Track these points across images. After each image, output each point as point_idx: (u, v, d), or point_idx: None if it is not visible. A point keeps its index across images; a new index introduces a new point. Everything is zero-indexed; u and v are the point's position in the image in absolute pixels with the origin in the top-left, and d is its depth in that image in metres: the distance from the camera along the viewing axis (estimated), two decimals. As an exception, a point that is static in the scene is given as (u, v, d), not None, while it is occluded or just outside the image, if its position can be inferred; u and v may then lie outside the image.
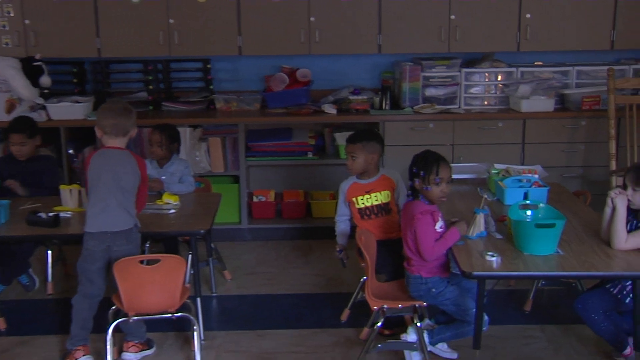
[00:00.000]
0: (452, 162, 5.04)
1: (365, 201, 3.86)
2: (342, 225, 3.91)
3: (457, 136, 5.17)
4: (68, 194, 3.89)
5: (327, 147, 5.50)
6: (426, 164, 3.27)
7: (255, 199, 5.47)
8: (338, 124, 5.44)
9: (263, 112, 5.39)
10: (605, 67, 4.99)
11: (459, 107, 5.35)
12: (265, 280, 4.63)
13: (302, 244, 5.24)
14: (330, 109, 5.29)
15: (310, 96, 5.51)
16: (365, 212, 3.87)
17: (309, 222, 5.38)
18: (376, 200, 3.86)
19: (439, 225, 3.28)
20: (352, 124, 5.34)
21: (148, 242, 4.35)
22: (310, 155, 5.31)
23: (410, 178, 3.34)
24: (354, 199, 3.88)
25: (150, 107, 5.50)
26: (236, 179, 5.34)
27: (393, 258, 3.65)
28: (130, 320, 3.39)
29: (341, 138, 5.27)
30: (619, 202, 3.18)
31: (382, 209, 3.87)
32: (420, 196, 3.33)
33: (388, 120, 5.18)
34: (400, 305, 3.42)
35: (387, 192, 3.88)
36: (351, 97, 5.39)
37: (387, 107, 5.37)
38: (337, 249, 3.88)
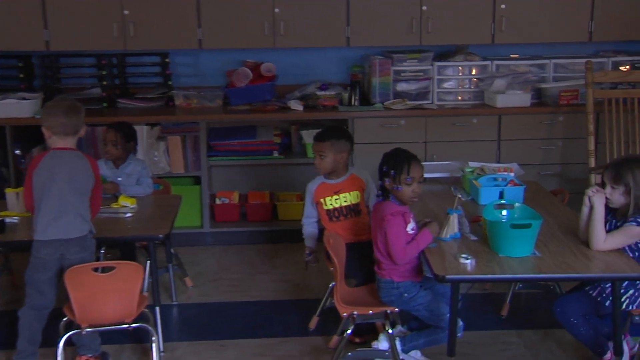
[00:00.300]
0: (425, 161, 5.02)
1: (333, 202, 3.87)
2: (309, 227, 3.92)
3: (430, 133, 5.21)
4: (15, 197, 3.84)
5: (293, 146, 5.50)
6: (397, 162, 3.29)
7: (217, 201, 5.46)
8: (305, 121, 5.44)
9: (225, 109, 5.38)
10: (584, 60, 5.05)
11: (432, 103, 5.39)
12: (229, 287, 4.62)
13: (267, 248, 5.24)
14: (297, 106, 5.30)
15: (275, 92, 5.51)
16: (333, 214, 3.88)
17: (275, 225, 5.38)
18: (345, 201, 3.87)
19: (410, 227, 3.30)
20: (319, 121, 5.35)
21: (103, 249, 4.32)
22: (275, 154, 5.31)
23: (380, 178, 3.36)
24: (322, 200, 3.89)
25: (105, 104, 5.44)
26: (197, 180, 5.32)
27: (363, 262, 3.65)
28: (83, 333, 3.36)
29: (308, 136, 5.28)
30: (597, 200, 3.23)
31: (352, 210, 3.88)
32: (390, 196, 3.34)
33: (357, 116, 5.20)
34: (371, 312, 3.42)
35: (356, 192, 3.89)
36: (318, 93, 5.40)
37: (356, 103, 5.39)
38: (307, 252, 3.89)
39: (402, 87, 5.40)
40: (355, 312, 3.41)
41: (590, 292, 3.42)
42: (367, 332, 3.75)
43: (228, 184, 5.62)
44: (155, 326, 3.64)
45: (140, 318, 3.41)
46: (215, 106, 5.45)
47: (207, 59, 5.64)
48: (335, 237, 3.53)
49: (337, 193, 3.88)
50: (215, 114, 5.26)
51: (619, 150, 4.83)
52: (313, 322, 4.00)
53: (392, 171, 3.29)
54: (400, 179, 3.27)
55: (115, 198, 3.98)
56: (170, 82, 5.57)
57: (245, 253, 5.18)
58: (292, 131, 5.51)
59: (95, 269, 3.29)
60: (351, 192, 3.89)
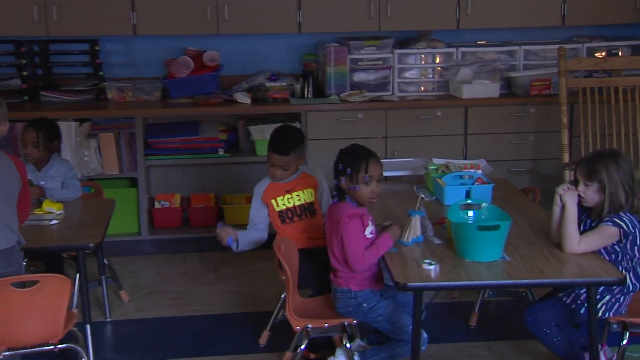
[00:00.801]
0: (385, 157, 5.14)
1: (286, 202, 3.88)
2: (250, 233, 3.88)
3: (390, 127, 5.24)
4: None
5: (240, 143, 5.49)
6: (353, 159, 3.31)
7: (157, 205, 5.43)
8: (253, 115, 5.43)
9: (164, 102, 5.34)
10: (556, 46, 5.10)
11: (392, 94, 5.42)
12: (171, 300, 4.60)
13: (213, 257, 5.22)
14: (244, 98, 5.29)
15: (220, 83, 5.50)
16: (286, 215, 3.88)
17: (221, 231, 5.40)
18: (299, 200, 3.89)
19: (369, 231, 3.32)
20: (269, 116, 5.35)
21: (25, 260, 4.23)
22: (221, 152, 5.31)
23: (335, 177, 3.37)
24: (272, 201, 3.89)
25: (26, 98, 5.37)
26: (134, 182, 5.29)
27: (318, 269, 3.66)
28: (1, 357, 3.29)
29: (257, 132, 5.28)
30: (569, 199, 3.27)
31: (306, 210, 3.90)
32: (347, 197, 3.36)
33: (311, 110, 5.21)
34: (326, 324, 3.43)
35: (310, 190, 3.91)
36: (268, 84, 5.40)
37: (309, 96, 5.41)
38: (217, 224, 3.88)
39: (359, 77, 5.42)
40: (309, 325, 3.41)
41: (564, 299, 3.46)
42: (323, 347, 3.75)
43: (168, 186, 5.59)
44: (85, 347, 3.61)
45: (67, 338, 3.36)
46: (152, 99, 5.40)
47: (143, 46, 5.60)
48: (286, 242, 3.53)
49: (289, 192, 3.89)
50: (153, 108, 5.22)
51: (594, 144, 4.90)
52: (264, 338, 4.00)
53: (349, 169, 3.30)
54: (357, 177, 3.29)
55: (39, 203, 3.92)
56: (101, 73, 5.50)
57: (189, 262, 5.17)
58: (239, 127, 5.49)
59: (16, 284, 3.22)
60: (305, 190, 3.90)
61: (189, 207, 5.47)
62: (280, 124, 4.28)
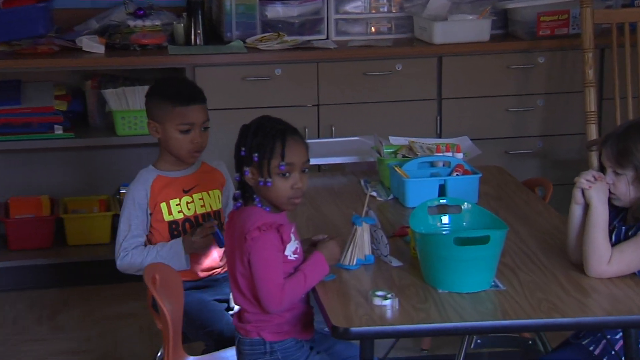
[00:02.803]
0: (315, 136, 5.20)
1: (183, 208, 3.89)
2: (136, 258, 3.85)
3: (324, 90, 5.33)
4: None
5: (90, 116, 5.50)
6: (263, 140, 3.29)
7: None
8: (109, 72, 5.45)
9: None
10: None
11: (327, 39, 5.47)
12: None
13: (48, 296, 5.22)
14: (94, 46, 5.27)
15: (54, 22, 5.46)
16: (182, 229, 3.91)
17: (62, 256, 5.38)
18: (202, 206, 3.92)
19: (291, 249, 3.31)
20: (134, 73, 5.34)
21: None
22: (59, 130, 5.31)
23: (237, 168, 3.36)
24: (163, 205, 3.90)
25: None
26: None
27: (216, 311, 3.71)
28: None
29: (116, 99, 5.28)
30: (595, 195, 3.27)
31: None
32: (255, 198, 3.35)
33: (201, 64, 5.24)
34: (226, 396, 3.45)
35: (216, 192, 3.96)
36: (132, 24, 5.40)
37: (199, 42, 5.44)
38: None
39: (275, 12, 5.46)
40: (200, 399, 3.42)
41: (590, 347, 3.47)
42: None
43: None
44: None
45: None
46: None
47: None
48: (165, 270, 3.50)
49: (188, 193, 3.90)
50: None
51: (636, 111, 4.99)
52: None
53: (255, 155, 3.30)
54: (269, 167, 3.30)
55: None
56: None
57: (10, 305, 5.15)
58: (87, 91, 5.48)
59: None
60: (210, 192, 3.94)
61: (6, 219, 5.43)
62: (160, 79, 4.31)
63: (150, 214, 3.90)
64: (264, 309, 3.31)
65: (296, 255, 3.34)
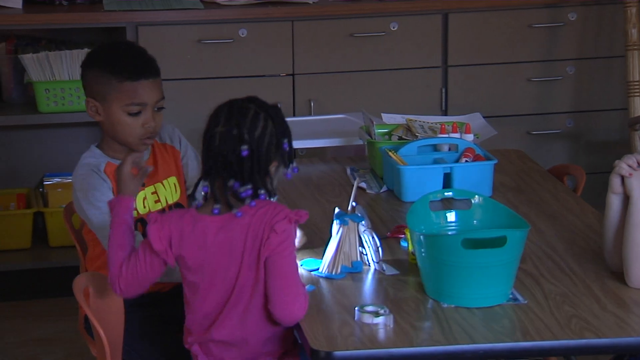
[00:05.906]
0: (292, 114, 5.20)
1: (139, 206, 3.68)
2: None
3: (301, 56, 5.24)
4: None
5: (4, 88, 5.41)
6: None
7: None
8: (28, 33, 5.40)
9: None
10: None
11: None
12: None
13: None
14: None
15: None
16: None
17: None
18: (156, 201, 3.75)
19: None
20: (59, 34, 5.31)
21: None
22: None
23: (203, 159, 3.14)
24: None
25: None
26: None
27: (167, 332, 3.58)
28: None
29: (36, 65, 5.14)
30: (638, 184, 3.10)
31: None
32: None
33: (145, 22, 5.17)
34: None
35: (173, 179, 3.78)
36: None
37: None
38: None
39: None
40: None
41: None
42: None
43: None
44: None
45: None
46: None
47: None
48: (101, 282, 3.29)
49: (144, 186, 3.71)
50: None
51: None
52: None
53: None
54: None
55: None
56: None
57: None
58: (1, 56, 5.40)
59: None
60: (165, 182, 3.76)
61: None
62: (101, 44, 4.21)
63: None
64: (285, 321, 3.11)
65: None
